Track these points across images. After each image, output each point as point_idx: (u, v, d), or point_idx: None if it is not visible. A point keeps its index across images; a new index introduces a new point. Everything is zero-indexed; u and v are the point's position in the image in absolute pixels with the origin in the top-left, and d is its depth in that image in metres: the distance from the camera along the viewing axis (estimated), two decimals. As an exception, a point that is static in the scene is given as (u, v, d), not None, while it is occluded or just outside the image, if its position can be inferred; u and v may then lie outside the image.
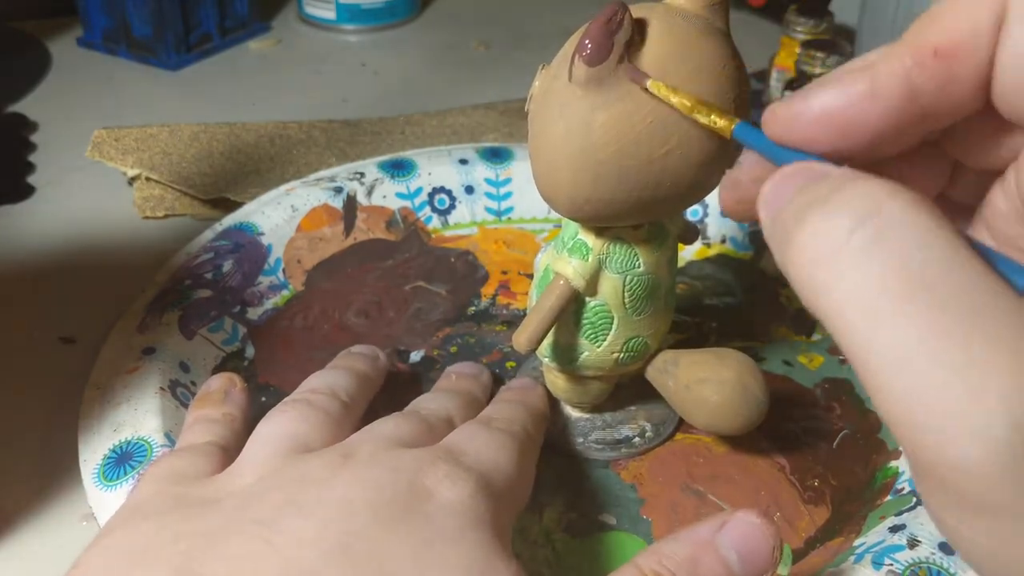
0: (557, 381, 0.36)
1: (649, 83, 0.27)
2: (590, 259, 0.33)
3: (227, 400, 0.33)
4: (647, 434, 0.37)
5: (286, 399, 0.32)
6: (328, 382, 0.33)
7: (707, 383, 0.34)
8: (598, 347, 0.34)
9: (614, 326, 0.34)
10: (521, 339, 0.33)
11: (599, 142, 0.28)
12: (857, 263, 0.17)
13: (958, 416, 0.16)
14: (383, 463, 0.27)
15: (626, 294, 0.33)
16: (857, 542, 0.31)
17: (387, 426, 0.30)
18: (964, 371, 0.16)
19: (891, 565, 0.29)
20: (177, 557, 0.24)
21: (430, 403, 0.34)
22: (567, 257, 0.33)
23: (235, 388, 0.34)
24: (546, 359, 0.36)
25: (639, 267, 0.33)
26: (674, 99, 0.26)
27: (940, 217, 0.17)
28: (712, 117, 0.25)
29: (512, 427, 0.32)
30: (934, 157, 0.23)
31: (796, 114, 0.20)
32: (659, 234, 0.34)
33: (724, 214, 0.24)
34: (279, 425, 0.30)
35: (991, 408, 0.15)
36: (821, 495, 0.35)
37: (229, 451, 0.30)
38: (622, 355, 0.35)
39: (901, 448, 0.17)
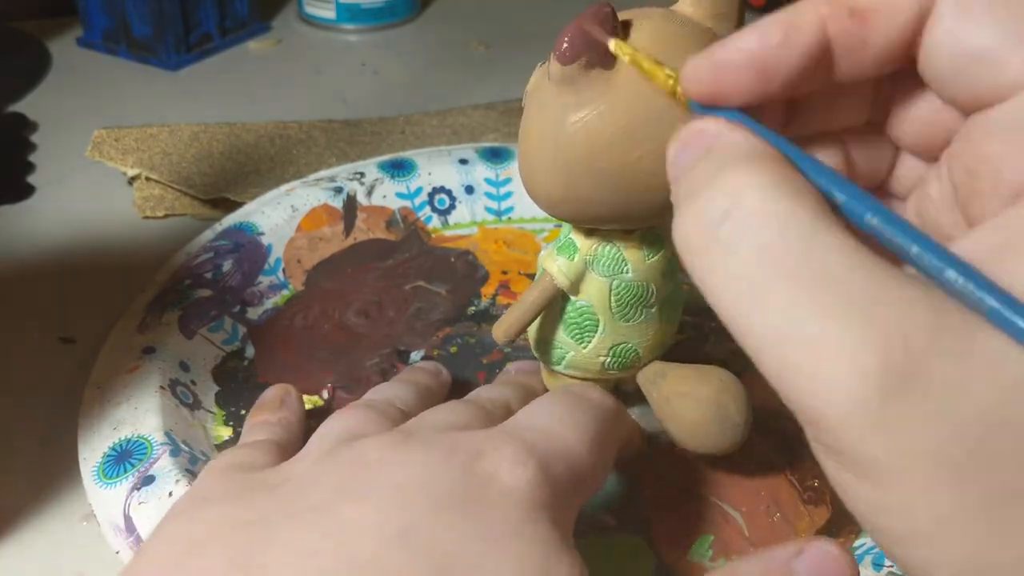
0: (551, 383, 0.36)
1: (612, 43, 0.26)
2: (576, 259, 0.33)
3: (283, 406, 0.34)
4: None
5: (346, 407, 0.32)
6: (388, 394, 0.33)
7: (685, 398, 0.33)
8: (583, 348, 0.34)
9: (600, 329, 0.34)
10: (499, 331, 0.33)
11: (570, 142, 0.28)
12: (725, 252, 0.19)
13: (822, 378, 0.17)
14: (440, 444, 0.26)
15: (612, 298, 0.33)
16: (857, 543, 0.32)
17: (442, 412, 0.30)
18: (823, 340, 0.17)
19: (891, 566, 0.29)
20: (234, 545, 0.24)
21: (490, 392, 0.34)
22: (555, 255, 0.33)
23: (290, 396, 0.35)
24: (536, 357, 0.36)
25: (627, 272, 0.33)
26: (634, 59, 0.25)
27: (798, 196, 0.18)
28: (672, 82, 0.24)
29: (590, 393, 0.31)
30: (877, 142, 0.23)
31: (717, 60, 0.21)
32: (654, 241, 0.33)
33: None
34: (338, 423, 0.30)
35: (846, 368, 0.17)
36: (821, 495, 0.35)
37: (286, 448, 0.31)
38: (608, 360, 0.34)
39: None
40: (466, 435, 0.27)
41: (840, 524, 0.34)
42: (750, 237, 0.18)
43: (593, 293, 0.33)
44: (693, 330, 0.43)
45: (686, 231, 0.20)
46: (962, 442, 0.17)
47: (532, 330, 0.35)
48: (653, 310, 0.34)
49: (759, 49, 0.20)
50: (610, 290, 0.33)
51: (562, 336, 0.34)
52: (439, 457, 0.26)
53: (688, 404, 0.33)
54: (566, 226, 0.34)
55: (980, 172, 0.20)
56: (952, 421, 0.16)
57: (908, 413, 0.17)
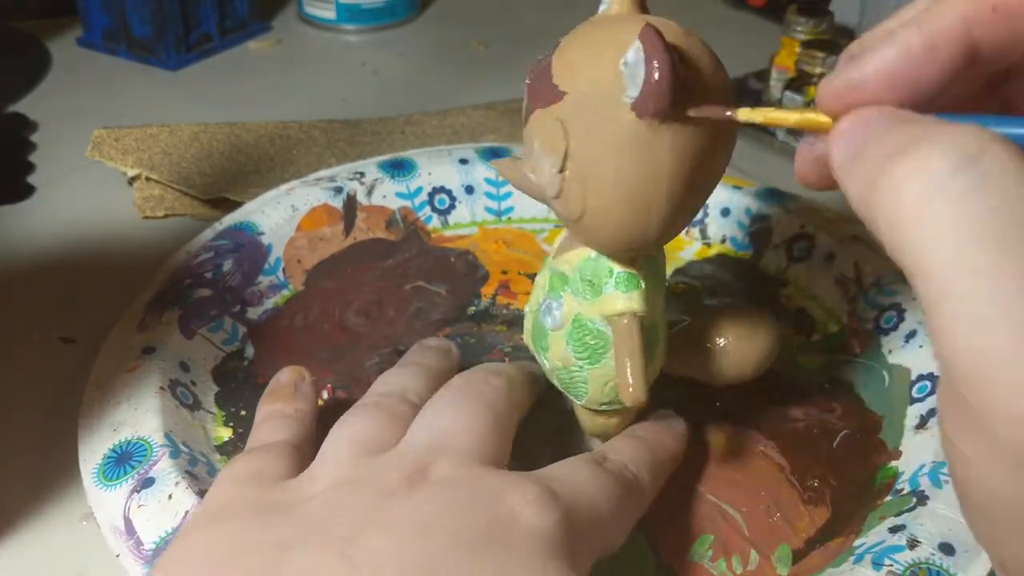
0: (583, 415, 0.35)
1: (740, 114, 0.26)
2: (642, 284, 0.31)
3: (298, 394, 0.33)
4: None
5: (357, 403, 0.32)
6: (399, 385, 0.33)
7: (746, 338, 0.35)
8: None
9: (659, 341, 0.33)
10: (637, 394, 0.30)
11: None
12: (954, 206, 0.16)
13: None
14: (465, 484, 0.26)
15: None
16: (857, 542, 0.31)
17: (444, 414, 0.30)
18: None
19: (891, 566, 0.29)
20: (252, 567, 0.23)
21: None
22: (620, 293, 0.31)
23: (304, 382, 0.34)
24: (581, 400, 0.33)
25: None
26: (770, 116, 0.25)
27: None
28: (802, 116, 0.24)
29: (624, 471, 0.31)
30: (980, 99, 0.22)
31: (853, 84, 0.20)
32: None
33: (799, 181, 0.25)
34: (351, 428, 0.29)
35: None
36: (821, 495, 0.35)
37: (303, 449, 0.30)
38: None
39: (954, 390, 0.17)
40: (492, 474, 0.27)
41: (840, 524, 0.34)
42: (990, 192, 0.16)
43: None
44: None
45: (891, 190, 0.18)
46: None
47: (574, 377, 0.33)
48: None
49: (900, 67, 0.19)
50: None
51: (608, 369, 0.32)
52: (464, 496, 0.25)
53: (757, 338, 0.35)
54: (596, 267, 0.31)
55: None
56: None
57: None
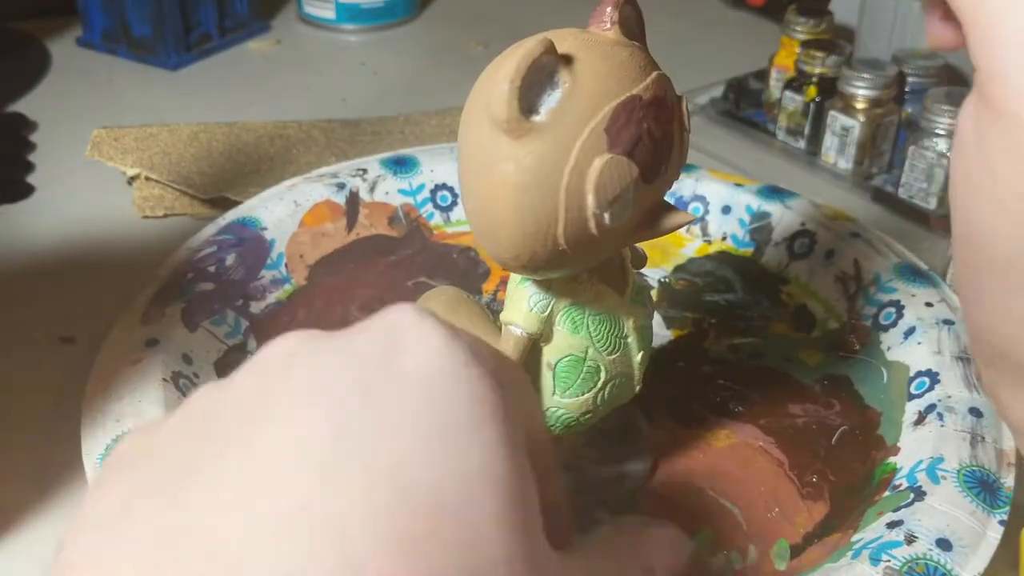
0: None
1: None
2: (545, 311, 0.32)
3: None
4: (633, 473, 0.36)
5: None
6: None
7: None
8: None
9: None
10: None
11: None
12: None
13: None
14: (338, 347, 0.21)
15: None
16: (855, 538, 0.32)
17: None
18: None
19: (888, 561, 0.30)
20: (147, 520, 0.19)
21: None
22: (518, 307, 0.31)
23: None
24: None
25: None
26: None
27: None
28: None
29: None
30: None
31: None
32: None
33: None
34: None
35: None
36: (820, 491, 0.35)
37: None
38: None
39: (985, 96, 0.19)
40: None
41: (839, 520, 0.34)
42: None
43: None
44: (693, 327, 0.43)
45: None
46: None
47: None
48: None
49: None
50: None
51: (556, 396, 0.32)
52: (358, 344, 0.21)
53: None
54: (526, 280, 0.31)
55: None
56: None
57: None
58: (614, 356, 0.32)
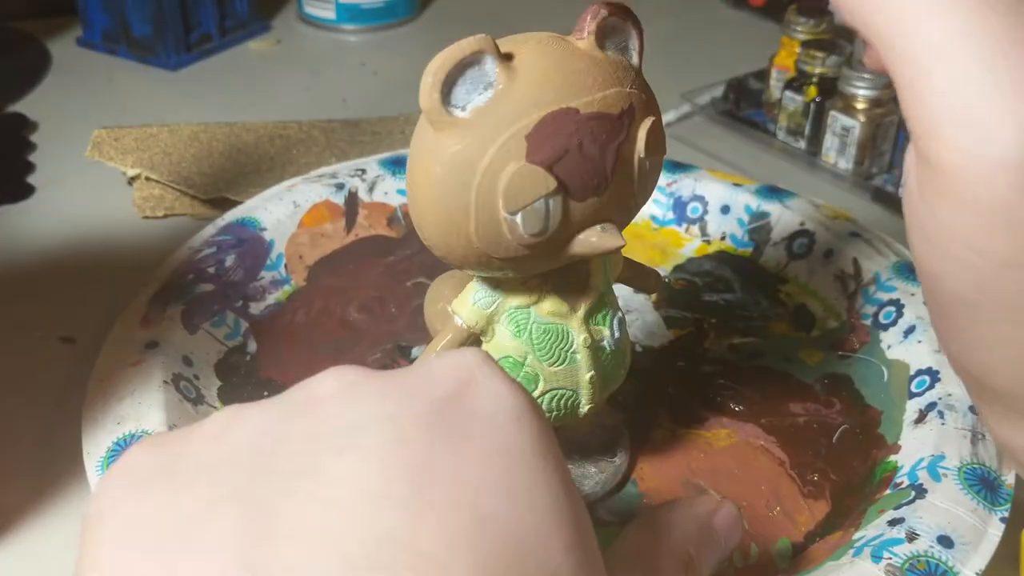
0: None
1: None
2: (488, 308, 0.32)
3: None
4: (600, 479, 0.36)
5: None
6: None
7: None
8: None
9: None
10: None
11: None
12: None
13: (995, 113, 0.17)
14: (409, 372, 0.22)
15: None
16: (856, 536, 0.32)
17: None
18: (1006, 71, 0.16)
19: (890, 559, 0.30)
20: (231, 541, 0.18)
21: None
22: (463, 297, 0.32)
23: None
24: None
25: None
26: None
27: None
28: None
29: None
30: None
31: None
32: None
33: None
34: None
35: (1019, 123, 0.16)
36: (821, 489, 0.35)
37: None
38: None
39: (920, 151, 0.19)
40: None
41: (840, 518, 0.34)
42: None
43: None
44: (693, 327, 0.43)
45: None
46: None
47: None
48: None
49: None
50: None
51: None
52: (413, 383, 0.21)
53: None
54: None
55: None
56: None
57: None
58: (556, 368, 0.31)
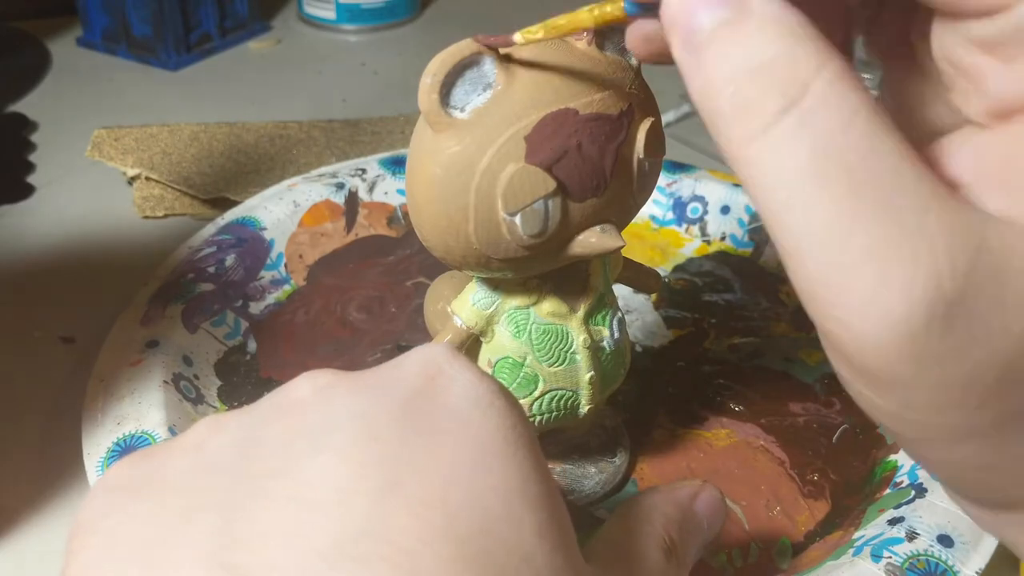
0: None
1: (516, 36, 0.25)
2: (485, 309, 0.32)
3: None
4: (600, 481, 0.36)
5: None
6: None
7: None
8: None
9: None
10: None
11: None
12: (781, 147, 0.17)
13: (863, 299, 0.17)
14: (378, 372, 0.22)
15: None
16: (856, 535, 0.32)
17: None
18: (871, 256, 0.16)
19: (890, 558, 0.30)
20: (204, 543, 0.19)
21: None
22: (463, 297, 0.32)
23: None
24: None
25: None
26: (549, 30, 0.24)
27: (863, 91, 0.17)
28: (596, 12, 0.22)
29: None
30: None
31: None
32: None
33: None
34: None
35: (893, 293, 0.16)
36: (821, 489, 0.35)
37: None
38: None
39: (815, 325, 0.19)
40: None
41: (840, 518, 0.34)
42: (812, 130, 0.17)
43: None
44: (693, 327, 0.43)
45: (728, 128, 0.18)
46: (992, 368, 0.17)
47: None
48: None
49: None
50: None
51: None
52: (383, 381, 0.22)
53: None
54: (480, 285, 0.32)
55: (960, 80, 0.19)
56: (987, 349, 0.17)
57: (949, 344, 0.17)
58: (556, 368, 0.31)
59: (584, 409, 0.32)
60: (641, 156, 0.28)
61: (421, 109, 0.26)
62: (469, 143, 0.26)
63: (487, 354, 0.32)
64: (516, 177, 0.26)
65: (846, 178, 0.17)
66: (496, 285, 0.31)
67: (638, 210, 0.30)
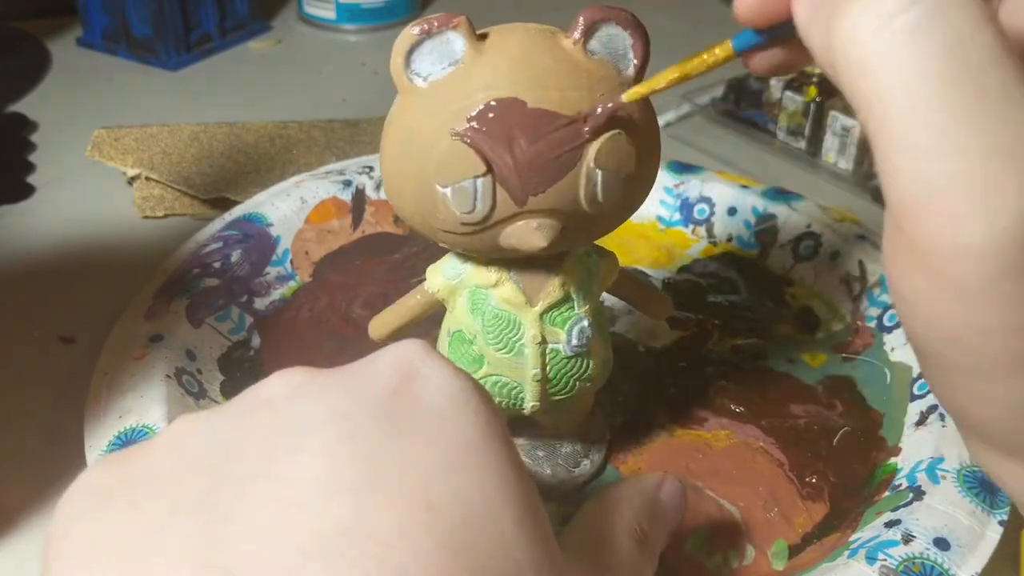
0: None
1: (624, 97, 0.27)
2: (453, 278, 0.33)
3: None
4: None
5: None
6: None
7: None
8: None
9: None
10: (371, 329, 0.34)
11: None
12: (905, 42, 0.17)
13: (975, 205, 0.17)
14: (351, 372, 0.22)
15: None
16: (853, 537, 0.32)
17: None
18: (988, 164, 0.16)
19: (885, 560, 0.30)
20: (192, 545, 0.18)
21: None
22: (436, 265, 0.33)
23: None
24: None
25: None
26: (663, 83, 0.26)
27: (987, 9, 0.17)
28: (705, 58, 0.25)
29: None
30: None
31: None
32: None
33: (740, 19, 0.23)
34: None
35: (1008, 201, 0.16)
36: (820, 491, 0.35)
37: None
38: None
39: (894, 220, 0.18)
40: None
41: (838, 520, 0.34)
42: (941, 27, 0.17)
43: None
44: (696, 328, 0.43)
45: (848, 29, 0.18)
46: None
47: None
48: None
49: None
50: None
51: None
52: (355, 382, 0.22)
53: None
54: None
55: None
56: None
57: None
58: (502, 355, 0.31)
59: (528, 405, 0.32)
60: (591, 166, 0.27)
61: (391, 68, 0.28)
62: (419, 112, 0.27)
63: (448, 323, 0.33)
64: (449, 152, 0.27)
65: (970, 83, 0.17)
66: (465, 259, 0.32)
67: (607, 222, 0.30)
